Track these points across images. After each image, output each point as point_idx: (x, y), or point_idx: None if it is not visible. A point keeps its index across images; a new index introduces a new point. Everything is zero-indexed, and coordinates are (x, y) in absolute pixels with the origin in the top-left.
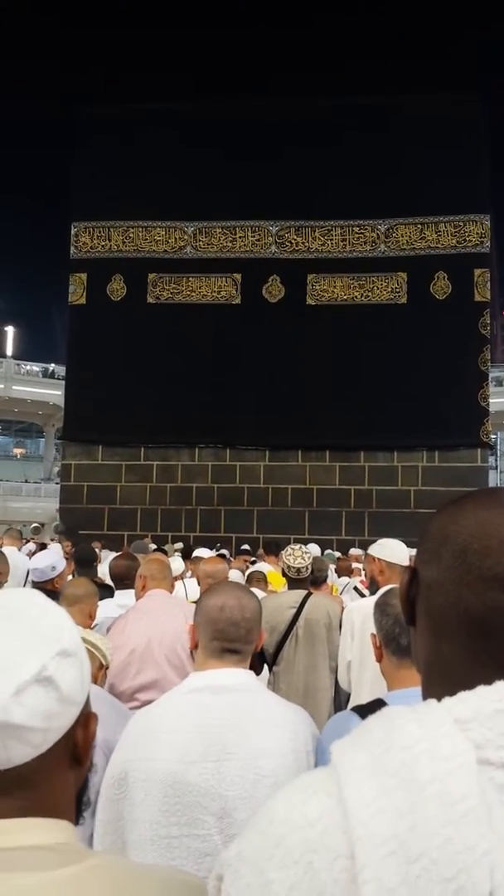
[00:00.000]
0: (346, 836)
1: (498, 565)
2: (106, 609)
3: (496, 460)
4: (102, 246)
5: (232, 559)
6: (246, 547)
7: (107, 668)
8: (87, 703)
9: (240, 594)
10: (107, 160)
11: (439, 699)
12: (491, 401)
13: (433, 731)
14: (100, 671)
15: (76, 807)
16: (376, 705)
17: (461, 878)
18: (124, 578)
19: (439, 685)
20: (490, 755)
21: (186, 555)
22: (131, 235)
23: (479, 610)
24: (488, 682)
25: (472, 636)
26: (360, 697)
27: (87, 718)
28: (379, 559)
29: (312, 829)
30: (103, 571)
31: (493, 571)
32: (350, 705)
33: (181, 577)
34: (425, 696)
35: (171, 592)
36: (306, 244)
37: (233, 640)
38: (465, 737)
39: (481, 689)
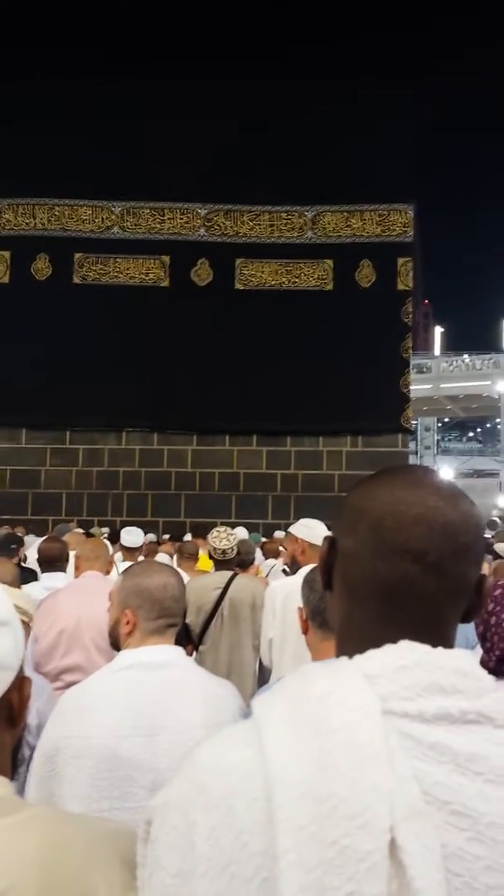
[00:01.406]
0: (265, 781)
1: (408, 540)
2: (33, 592)
3: (415, 445)
4: (27, 223)
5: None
6: (151, 536)
7: (30, 621)
8: (21, 668)
9: (171, 570)
10: (32, 135)
11: (350, 656)
12: (411, 387)
13: (343, 684)
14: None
15: (12, 763)
16: None
17: (366, 815)
18: (53, 561)
19: (351, 644)
20: (394, 706)
21: (113, 539)
22: (57, 213)
23: (390, 579)
24: (395, 641)
25: (383, 602)
26: (281, 673)
27: (21, 683)
28: (301, 539)
29: (233, 775)
30: (31, 557)
31: (403, 545)
32: (272, 680)
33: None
34: (338, 654)
35: (106, 573)
36: (235, 228)
37: (175, 614)
38: (373, 690)
39: (388, 647)
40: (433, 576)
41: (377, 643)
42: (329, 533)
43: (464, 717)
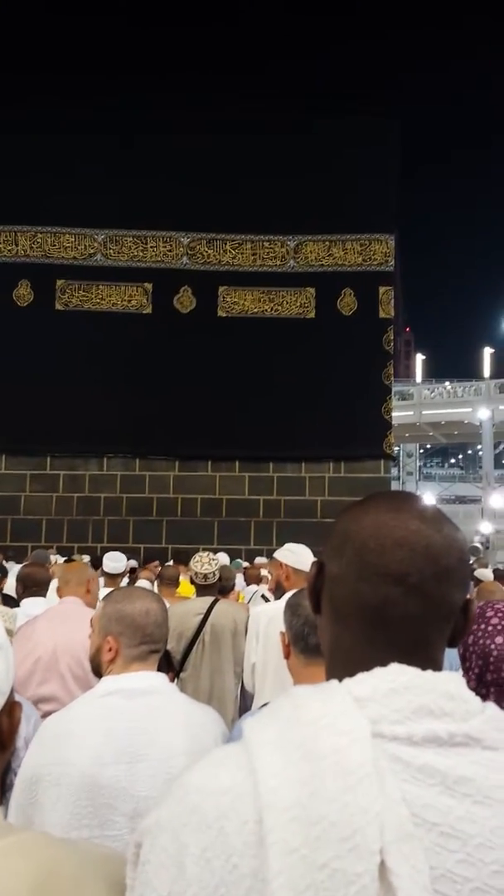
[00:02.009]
0: (255, 804)
1: (392, 562)
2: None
3: (398, 471)
4: (9, 250)
5: (139, 569)
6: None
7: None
8: (12, 692)
9: (154, 596)
10: (14, 163)
11: (340, 680)
12: (394, 414)
13: (334, 708)
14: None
15: (0, 788)
16: None
17: (356, 838)
18: (35, 586)
19: (340, 667)
20: (384, 729)
21: (94, 566)
22: (39, 241)
23: (374, 601)
24: (384, 664)
25: (369, 624)
26: (262, 698)
27: (11, 707)
28: (286, 564)
29: (225, 797)
30: (10, 583)
31: (387, 568)
32: (254, 706)
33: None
34: (329, 677)
35: (87, 593)
36: (217, 257)
37: (157, 640)
38: (363, 713)
39: (377, 671)
40: (416, 598)
41: (365, 665)
42: (315, 558)
43: (452, 740)
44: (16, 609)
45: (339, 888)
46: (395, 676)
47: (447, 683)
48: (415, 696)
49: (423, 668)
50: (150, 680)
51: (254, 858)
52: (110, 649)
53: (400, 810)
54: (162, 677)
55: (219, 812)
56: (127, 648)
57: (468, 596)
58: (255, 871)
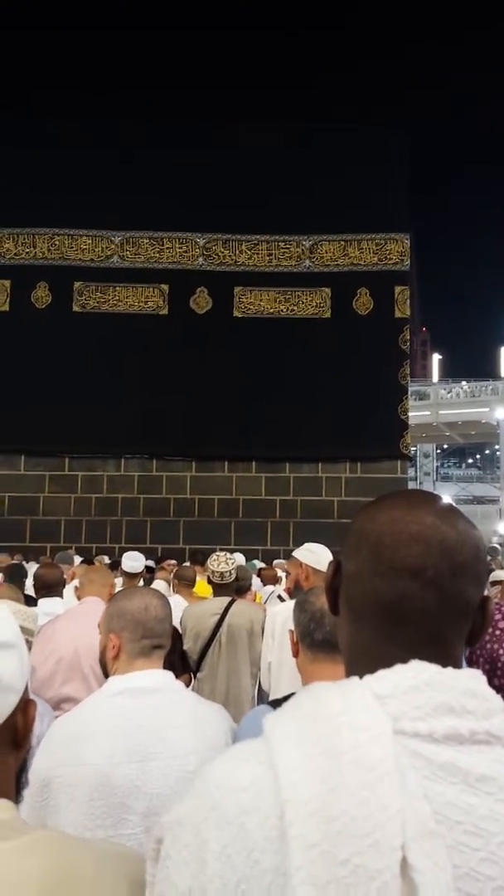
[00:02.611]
0: (276, 799)
1: (407, 557)
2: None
3: (415, 471)
4: (27, 253)
5: (156, 569)
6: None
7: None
8: (26, 690)
9: (154, 593)
10: (33, 166)
11: (361, 677)
12: (410, 414)
13: (354, 704)
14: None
15: (16, 787)
16: (289, 699)
17: (376, 834)
18: (50, 586)
19: (360, 665)
20: (405, 726)
21: (113, 566)
22: (57, 243)
23: (390, 596)
24: (403, 661)
25: (386, 621)
26: (277, 697)
27: (26, 705)
28: (305, 564)
29: (245, 793)
30: (27, 583)
31: (402, 562)
32: None
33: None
34: (348, 674)
35: (106, 600)
36: (233, 257)
37: (159, 635)
38: (384, 710)
39: (398, 668)
40: (432, 593)
41: (383, 662)
42: (333, 558)
43: (473, 738)
44: (34, 608)
45: (361, 884)
46: (417, 673)
47: (468, 681)
48: (436, 693)
49: (443, 665)
50: (157, 678)
51: (275, 854)
52: (114, 647)
53: (422, 807)
54: (168, 675)
55: (240, 808)
56: (129, 644)
57: (485, 593)
58: (277, 867)
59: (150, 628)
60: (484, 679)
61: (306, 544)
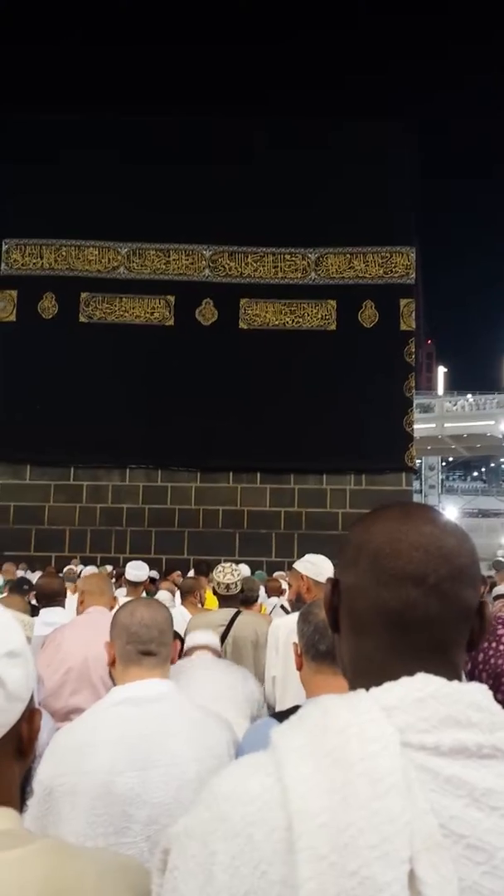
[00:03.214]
0: (284, 811)
1: (408, 564)
2: (34, 627)
3: (420, 484)
4: (34, 263)
5: (159, 580)
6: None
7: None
8: (32, 699)
9: (148, 602)
10: (40, 177)
11: (367, 689)
12: (415, 426)
13: (362, 716)
14: None
15: (21, 796)
16: (293, 712)
17: (385, 846)
18: (52, 596)
19: (365, 677)
20: (411, 738)
21: (117, 577)
22: (63, 254)
23: (395, 605)
24: (409, 673)
25: (391, 630)
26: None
27: (31, 715)
28: (306, 576)
29: (253, 805)
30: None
31: (404, 570)
32: None
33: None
34: (352, 688)
35: (110, 609)
36: (239, 269)
37: (146, 641)
38: (390, 722)
39: (404, 680)
40: (435, 598)
41: (390, 674)
42: (333, 569)
43: (480, 752)
44: (34, 618)
45: (369, 895)
46: (422, 686)
47: (474, 694)
48: (442, 706)
49: (447, 672)
50: (159, 687)
51: (283, 865)
52: (110, 655)
53: (429, 820)
54: (170, 684)
55: (247, 820)
56: (119, 650)
57: (481, 598)
58: (285, 878)
59: (133, 633)
60: (489, 693)
61: (307, 556)
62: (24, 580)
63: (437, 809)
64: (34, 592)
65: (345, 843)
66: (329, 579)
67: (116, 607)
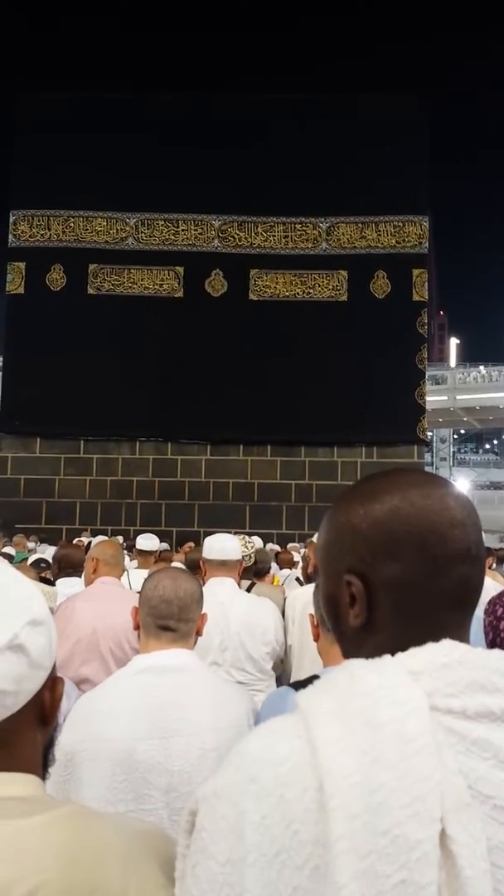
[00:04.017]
0: (315, 771)
1: (454, 543)
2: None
3: (431, 456)
4: (42, 235)
5: (174, 552)
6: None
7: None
8: (54, 668)
9: (176, 575)
10: (47, 148)
11: (393, 654)
12: (427, 398)
13: (390, 679)
14: None
15: (43, 763)
16: (311, 681)
17: (416, 805)
18: (74, 566)
19: (392, 645)
20: (438, 702)
21: (129, 547)
22: (71, 225)
23: (453, 588)
24: (435, 639)
25: (449, 612)
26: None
27: (53, 682)
28: None
29: (283, 766)
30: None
31: (454, 550)
32: None
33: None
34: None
35: (120, 579)
36: (249, 240)
37: (165, 616)
38: (418, 685)
39: (429, 646)
40: (479, 566)
41: (416, 641)
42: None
43: None
44: (54, 588)
45: (402, 854)
46: (448, 651)
47: (499, 661)
48: (467, 672)
49: (465, 636)
50: (181, 657)
51: (315, 825)
52: (135, 620)
53: (458, 781)
54: (191, 655)
55: (278, 780)
56: (142, 620)
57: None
58: (316, 838)
59: (154, 606)
60: None
61: None
62: (41, 560)
63: (464, 771)
64: (50, 570)
65: (378, 802)
66: (355, 575)
67: (125, 577)
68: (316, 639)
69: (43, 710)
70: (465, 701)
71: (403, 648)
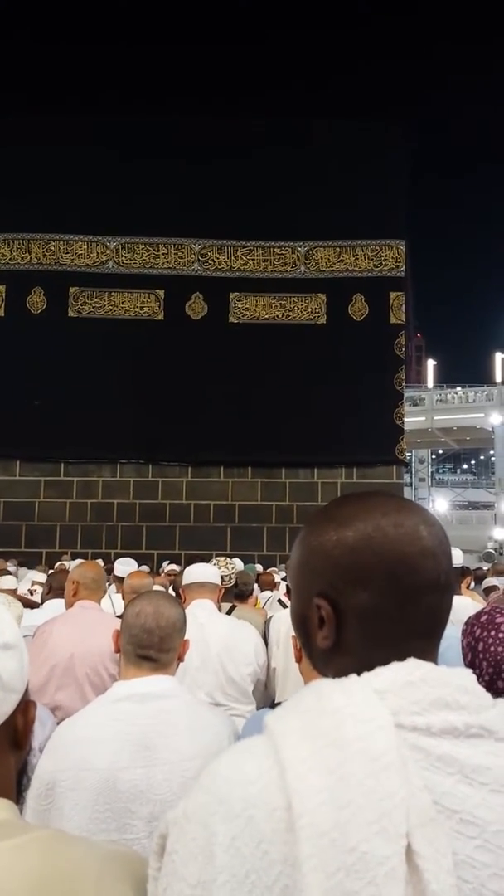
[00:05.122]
0: (283, 791)
1: (424, 573)
2: (36, 620)
3: (410, 477)
4: (22, 258)
5: (155, 575)
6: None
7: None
8: (27, 691)
9: (159, 601)
10: (27, 171)
11: (359, 674)
12: (405, 419)
13: (356, 698)
14: None
15: (17, 787)
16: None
17: (383, 821)
18: (60, 589)
19: (357, 667)
20: (403, 720)
21: (108, 571)
22: (52, 248)
23: (421, 616)
24: (400, 658)
25: (418, 639)
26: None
27: (26, 706)
28: None
29: (253, 786)
30: (23, 588)
31: (423, 580)
32: None
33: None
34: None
35: (101, 603)
36: (228, 263)
37: (146, 646)
38: (383, 704)
39: (394, 665)
40: (447, 594)
41: (381, 662)
42: (308, 585)
43: (468, 731)
44: (36, 611)
45: (369, 870)
46: (412, 670)
47: (461, 678)
48: (431, 689)
49: (433, 656)
50: (162, 684)
51: (283, 844)
52: (116, 642)
53: (423, 796)
54: (172, 681)
55: (247, 801)
56: (122, 645)
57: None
58: (285, 857)
59: (134, 635)
60: (474, 677)
61: None
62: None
63: (430, 786)
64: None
65: (345, 819)
66: (324, 599)
67: (107, 599)
68: (298, 660)
69: (16, 734)
70: (430, 718)
71: (370, 669)
